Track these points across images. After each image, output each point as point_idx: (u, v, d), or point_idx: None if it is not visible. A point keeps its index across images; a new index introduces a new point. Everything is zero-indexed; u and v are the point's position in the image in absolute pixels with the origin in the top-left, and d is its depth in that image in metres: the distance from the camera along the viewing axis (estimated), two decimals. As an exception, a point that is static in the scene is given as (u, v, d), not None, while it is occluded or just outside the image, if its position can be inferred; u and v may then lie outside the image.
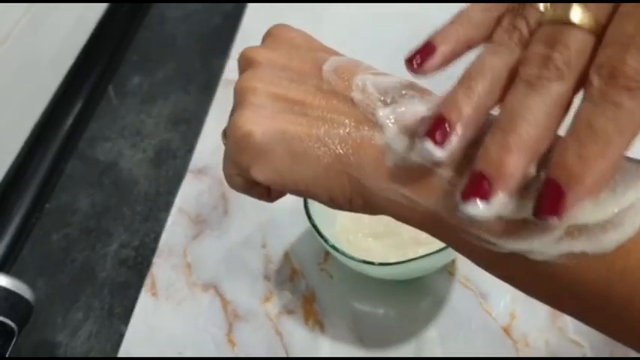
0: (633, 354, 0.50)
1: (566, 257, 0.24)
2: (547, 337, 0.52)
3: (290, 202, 0.60)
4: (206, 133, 0.73)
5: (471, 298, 0.55)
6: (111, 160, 0.73)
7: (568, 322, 0.53)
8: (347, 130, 0.29)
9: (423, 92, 0.31)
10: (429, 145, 0.25)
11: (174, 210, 0.66)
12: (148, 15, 0.90)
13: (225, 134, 0.33)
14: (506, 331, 0.53)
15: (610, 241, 0.23)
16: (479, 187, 0.24)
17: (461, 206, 0.24)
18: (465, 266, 0.57)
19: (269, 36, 0.35)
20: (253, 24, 0.84)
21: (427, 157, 0.26)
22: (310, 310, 0.57)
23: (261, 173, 0.31)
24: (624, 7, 0.23)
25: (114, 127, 0.77)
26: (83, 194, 0.70)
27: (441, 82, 0.30)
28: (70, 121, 0.75)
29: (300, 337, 0.56)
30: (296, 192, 0.32)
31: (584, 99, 0.23)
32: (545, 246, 0.24)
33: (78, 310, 0.60)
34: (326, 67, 0.32)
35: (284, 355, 0.55)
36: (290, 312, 0.57)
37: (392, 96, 0.30)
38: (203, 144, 0.72)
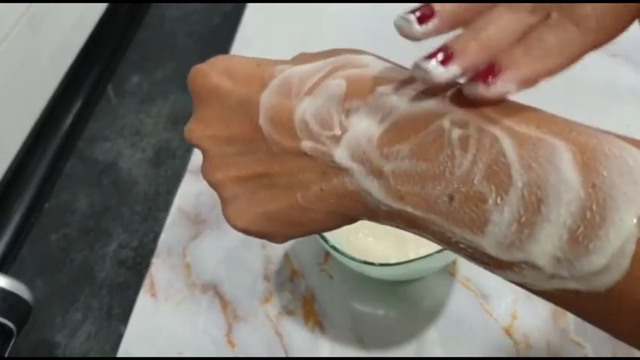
0: (636, 354, 0.50)
1: (562, 292, 0.25)
2: (548, 338, 0.52)
3: (290, 202, 0.60)
4: (206, 133, 0.72)
5: (471, 299, 0.55)
6: (110, 160, 0.73)
7: (570, 322, 0.53)
8: (320, 187, 0.29)
9: (355, 84, 0.30)
10: (411, 16, 0.28)
11: (173, 210, 0.66)
12: (148, 15, 0.90)
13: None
14: (508, 331, 0.53)
15: (601, 283, 0.24)
16: (442, 52, 0.27)
17: (422, 62, 0.27)
18: (466, 267, 0.57)
19: (194, 95, 0.33)
20: (253, 24, 0.84)
21: (404, 28, 0.28)
22: (310, 310, 0.57)
23: (277, 242, 0.33)
24: None
25: (113, 126, 0.76)
26: (82, 194, 0.70)
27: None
28: (69, 120, 0.75)
29: (300, 337, 0.55)
30: (308, 234, 0.33)
31: (542, 23, 0.27)
32: (538, 281, 0.25)
33: (77, 311, 0.60)
34: (262, 122, 0.30)
35: (284, 356, 0.55)
36: (290, 313, 0.57)
37: (338, 120, 0.29)
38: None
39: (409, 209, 0.27)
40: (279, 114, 0.30)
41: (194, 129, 0.33)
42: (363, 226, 0.56)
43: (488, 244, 0.25)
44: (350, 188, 0.29)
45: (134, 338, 0.57)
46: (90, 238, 0.66)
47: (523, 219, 0.24)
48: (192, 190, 0.68)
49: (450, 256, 0.52)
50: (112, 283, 0.62)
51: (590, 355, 0.51)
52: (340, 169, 0.29)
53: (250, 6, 0.87)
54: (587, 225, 0.23)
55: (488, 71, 0.26)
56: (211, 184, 0.33)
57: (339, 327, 0.56)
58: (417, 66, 0.27)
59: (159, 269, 0.62)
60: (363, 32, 0.80)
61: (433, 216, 0.26)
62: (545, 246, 0.24)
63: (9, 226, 0.66)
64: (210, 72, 0.32)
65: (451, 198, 0.26)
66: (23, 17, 0.70)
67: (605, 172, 0.24)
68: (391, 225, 0.29)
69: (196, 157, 0.70)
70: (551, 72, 0.27)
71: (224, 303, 0.58)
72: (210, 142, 0.32)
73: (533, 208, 0.24)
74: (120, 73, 0.83)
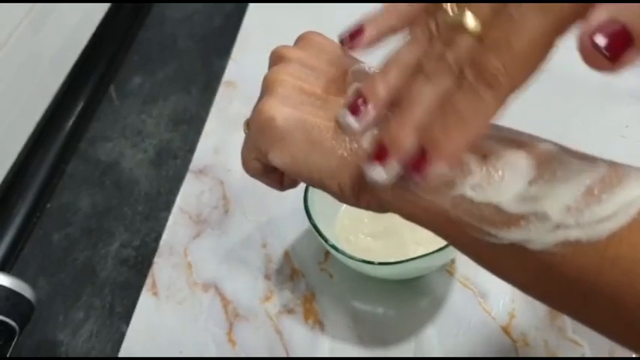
0: (633, 354, 0.50)
1: (562, 246, 0.26)
2: (546, 337, 0.53)
3: (290, 202, 0.60)
4: (207, 134, 0.73)
5: (470, 298, 0.56)
6: (112, 160, 0.73)
7: (567, 321, 0.53)
8: None
9: None
10: (348, 116, 0.31)
11: (174, 210, 0.67)
12: (149, 15, 0.90)
13: (247, 124, 0.36)
14: (506, 330, 0.53)
15: (603, 229, 0.26)
16: (379, 153, 0.29)
17: (366, 169, 0.29)
18: (465, 266, 0.57)
19: (302, 39, 0.38)
20: (254, 24, 0.85)
21: (345, 126, 0.31)
22: (310, 309, 0.57)
23: (278, 157, 0.33)
24: (504, 13, 0.26)
25: (115, 127, 0.77)
26: (84, 194, 0.70)
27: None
28: (71, 121, 0.76)
29: (300, 336, 0.56)
30: (309, 180, 0.34)
31: (457, 87, 0.27)
32: (541, 235, 0.27)
33: (79, 310, 0.61)
34: (350, 71, 0.35)
35: (284, 355, 0.55)
36: (290, 311, 0.57)
37: None
38: (204, 144, 0.72)
39: None
40: (366, 75, 0.34)
41: (289, 49, 0.37)
42: (363, 225, 0.57)
43: (506, 197, 0.28)
44: None
45: (136, 337, 0.58)
46: (92, 238, 0.66)
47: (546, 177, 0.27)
48: (193, 190, 0.68)
49: (448, 254, 0.53)
50: (114, 283, 0.62)
51: (588, 354, 0.51)
52: None
53: (252, 6, 0.87)
54: (604, 184, 0.26)
55: (417, 162, 0.28)
56: (273, 80, 0.34)
57: (339, 325, 0.56)
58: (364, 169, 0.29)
59: (160, 268, 0.62)
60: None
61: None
62: (560, 199, 0.27)
63: (12, 225, 0.66)
64: (322, 36, 0.37)
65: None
66: (25, 18, 0.71)
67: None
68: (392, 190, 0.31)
69: (197, 158, 0.71)
70: (470, 140, 0.27)
71: (225, 302, 0.59)
72: (296, 57, 0.35)
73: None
74: (122, 73, 0.83)
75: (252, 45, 0.81)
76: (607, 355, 0.51)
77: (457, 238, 0.30)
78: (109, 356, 0.57)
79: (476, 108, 0.27)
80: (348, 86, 0.34)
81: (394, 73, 0.31)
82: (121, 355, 0.57)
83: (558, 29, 0.26)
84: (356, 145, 0.32)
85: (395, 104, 0.30)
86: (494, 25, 0.27)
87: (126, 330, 0.58)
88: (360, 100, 0.31)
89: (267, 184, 0.38)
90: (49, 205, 0.70)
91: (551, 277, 0.27)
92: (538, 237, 0.27)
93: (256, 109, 0.34)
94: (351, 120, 0.31)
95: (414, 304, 0.56)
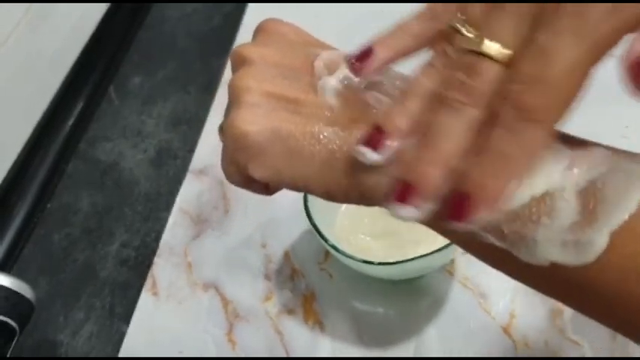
0: (633, 353, 0.50)
1: (550, 263, 0.26)
2: (546, 337, 0.52)
3: (290, 202, 0.60)
4: (207, 134, 0.73)
5: (470, 298, 0.56)
6: (112, 161, 0.73)
7: (567, 322, 0.53)
8: (340, 127, 0.30)
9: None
10: (369, 152, 0.28)
11: (174, 210, 0.67)
12: (149, 15, 0.90)
13: (222, 130, 0.34)
14: (506, 330, 0.53)
15: (586, 258, 0.25)
16: (404, 193, 0.27)
17: (392, 209, 0.27)
18: (465, 266, 0.57)
19: (261, 31, 0.36)
20: (254, 24, 0.84)
21: (365, 161, 0.28)
22: (310, 309, 0.57)
23: (258, 171, 0.31)
24: (535, 44, 0.25)
25: (115, 127, 0.77)
26: (84, 194, 0.70)
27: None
28: (71, 121, 0.76)
29: (300, 336, 0.56)
30: (294, 188, 0.32)
31: (496, 125, 0.25)
32: (525, 255, 0.26)
33: (79, 310, 0.60)
34: (317, 63, 0.32)
35: (284, 355, 0.55)
36: (290, 311, 0.57)
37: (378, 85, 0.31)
38: (204, 144, 0.72)
39: None
40: (333, 63, 0.32)
41: (249, 46, 0.34)
42: (363, 225, 0.57)
43: (543, 237, 0.26)
44: None
45: (136, 337, 0.58)
46: (92, 238, 0.66)
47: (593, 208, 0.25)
48: (193, 190, 0.68)
49: (448, 255, 0.52)
50: (114, 283, 0.62)
51: (588, 354, 0.51)
52: (370, 123, 0.29)
53: (251, 6, 0.87)
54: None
55: (459, 208, 0.26)
56: (238, 88, 0.32)
57: (339, 326, 0.56)
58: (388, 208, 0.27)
59: (160, 268, 0.62)
60: (363, 32, 0.80)
61: None
62: (607, 230, 0.25)
63: (12, 225, 0.66)
64: (285, 23, 0.36)
65: None
66: (24, 18, 0.71)
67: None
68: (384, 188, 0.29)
69: (197, 158, 0.71)
70: (521, 178, 0.26)
71: (225, 302, 0.59)
72: (259, 57, 0.33)
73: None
74: (121, 73, 0.83)
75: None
76: (607, 356, 0.51)
77: (450, 234, 0.30)
78: (109, 356, 0.57)
79: (522, 148, 0.25)
80: (317, 79, 0.32)
81: (415, 103, 0.28)
82: (120, 355, 0.57)
83: (594, 58, 0.25)
84: (335, 148, 0.30)
85: (415, 133, 0.28)
86: (524, 56, 0.25)
87: (126, 330, 0.58)
88: (378, 134, 0.28)
89: (253, 192, 0.36)
90: (49, 206, 0.70)
91: (555, 280, 0.27)
92: (523, 255, 0.26)
93: (228, 122, 0.32)
94: (372, 155, 0.28)
95: (414, 305, 0.56)
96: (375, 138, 0.28)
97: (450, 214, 0.26)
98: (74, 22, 0.81)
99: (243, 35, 0.83)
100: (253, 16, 0.85)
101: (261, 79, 0.32)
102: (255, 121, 0.31)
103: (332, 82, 0.31)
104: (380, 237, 0.56)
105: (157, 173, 0.71)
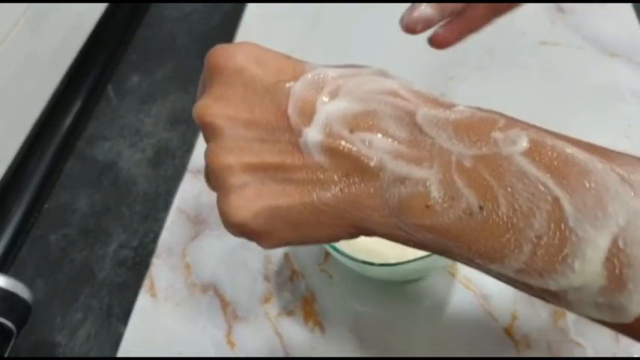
0: (636, 354, 0.50)
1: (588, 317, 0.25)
2: (548, 338, 0.52)
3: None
4: (205, 133, 0.72)
5: (472, 299, 0.55)
6: (110, 160, 0.73)
7: (569, 323, 0.53)
8: (339, 189, 0.28)
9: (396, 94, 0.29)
10: None
11: (173, 210, 0.66)
12: (147, 14, 0.90)
13: (207, 177, 0.32)
14: (508, 332, 0.53)
15: (624, 319, 0.24)
16: None
17: None
18: (466, 267, 0.56)
19: (213, 73, 0.31)
20: (253, 23, 0.84)
21: None
22: (310, 310, 0.57)
23: (266, 246, 0.30)
24: None
25: (113, 126, 0.76)
26: (82, 194, 0.70)
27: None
28: (69, 120, 0.75)
29: (299, 338, 0.55)
30: (306, 244, 0.31)
31: None
32: (561, 307, 0.26)
33: (77, 311, 0.60)
34: (290, 111, 0.29)
35: (284, 356, 0.55)
36: (290, 313, 0.57)
37: (362, 119, 0.28)
38: (202, 144, 0.71)
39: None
40: (310, 107, 0.28)
41: (210, 105, 0.30)
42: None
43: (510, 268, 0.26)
44: (371, 192, 0.28)
45: (134, 338, 0.57)
46: (90, 238, 0.66)
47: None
48: (192, 190, 0.67)
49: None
50: (112, 283, 0.62)
51: (590, 355, 0.51)
52: (364, 172, 0.28)
53: (250, 6, 0.87)
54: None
55: None
56: (217, 168, 0.29)
57: (339, 327, 0.56)
58: None
59: (159, 269, 0.62)
60: (363, 32, 0.80)
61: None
62: None
63: (9, 225, 0.66)
64: (237, 53, 0.31)
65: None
66: (23, 17, 0.70)
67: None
68: (392, 231, 0.29)
69: (196, 157, 0.70)
70: None
71: (224, 303, 0.58)
72: (227, 122, 0.29)
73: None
74: (120, 72, 0.83)
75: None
76: (609, 356, 0.50)
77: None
78: (107, 357, 0.57)
79: None
80: (297, 134, 0.28)
81: None
82: (118, 356, 0.56)
83: None
84: (340, 212, 0.28)
85: None
86: None
87: (124, 331, 0.58)
88: None
89: None
90: (46, 206, 0.69)
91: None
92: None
93: (220, 211, 0.29)
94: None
95: (415, 306, 0.56)
96: None
97: None
98: (73, 20, 0.80)
99: (242, 35, 0.82)
100: (252, 15, 0.85)
101: (238, 150, 0.29)
102: (248, 207, 0.29)
103: (314, 136, 0.28)
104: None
105: (155, 173, 0.71)
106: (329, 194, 0.28)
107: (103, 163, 0.73)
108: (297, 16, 0.84)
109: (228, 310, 0.58)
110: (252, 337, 0.56)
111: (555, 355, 0.51)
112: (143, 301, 0.60)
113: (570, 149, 0.25)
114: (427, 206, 0.26)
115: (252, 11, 0.86)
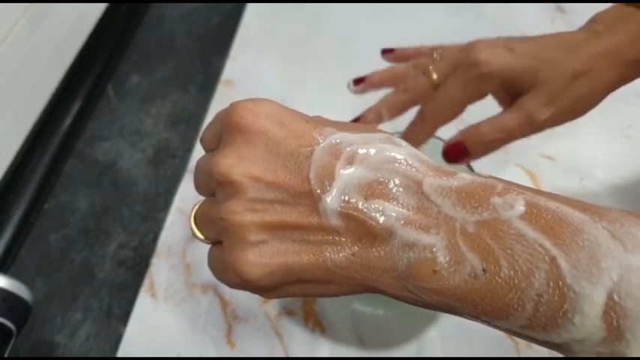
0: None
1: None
2: (548, 339, 0.52)
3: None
4: (205, 133, 0.72)
5: (471, 299, 0.55)
6: (110, 160, 0.73)
7: (569, 323, 0.52)
8: (352, 252, 0.30)
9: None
10: None
11: (173, 210, 0.66)
12: (147, 14, 0.90)
13: (195, 223, 0.36)
14: (507, 332, 0.53)
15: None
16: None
17: None
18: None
19: (235, 131, 0.32)
20: (253, 23, 0.84)
21: None
22: (310, 311, 0.57)
23: (270, 297, 0.33)
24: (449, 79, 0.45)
25: (113, 126, 0.76)
26: (82, 194, 0.70)
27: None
28: (68, 120, 0.75)
29: (300, 338, 0.55)
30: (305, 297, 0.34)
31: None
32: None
33: (76, 311, 0.60)
34: (312, 177, 0.30)
35: (284, 356, 0.54)
36: (290, 313, 0.57)
37: (376, 188, 0.30)
38: (202, 144, 0.71)
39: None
40: (329, 174, 0.30)
41: (234, 164, 0.31)
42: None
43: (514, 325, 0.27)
44: (380, 255, 0.29)
45: (134, 338, 0.57)
46: (89, 239, 0.66)
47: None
48: (192, 190, 0.67)
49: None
50: (112, 284, 0.62)
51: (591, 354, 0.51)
52: (374, 237, 0.29)
53: (250, 6, 0.86)
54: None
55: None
56: (237, 225, 0.30)
57: (339, 327, 0.56)
58: None
59: (158, 269, 0.62)
60: (363, 32, 0.80)
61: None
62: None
63: (8, 225, 0.66)
64: (261, 114, 0.31)
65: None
66: (23, 17, 0.70)
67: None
68: (400, 292, 0.30)
69: (196, 157, 0.70)
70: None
71: (224, 303, 0.58)
72: (252, 183, 0.30)
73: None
74: (119, 72, 0.83)
75: (250, 44, 0.81)
76: (609, 356, 0.50)
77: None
78: (107, 357, 0.57)
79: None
80: (317, 200, 0.30)
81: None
82: (118, 356, 0.56)
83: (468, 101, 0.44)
84: (350, 275, 0.30)
85: None
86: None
87: (123, 331, 0.58)
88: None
89: None
90: (46, 206, 0.69)
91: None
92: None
93: (235, 266, 0.31)
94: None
95: (414, 306, 0.56)
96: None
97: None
98: (73, 20, 0.80)
99: (242, 35, 0.82)
100: (252, 15, 0.85)
101: (260, 209, 0.30)
102: (263, 263, 0.30)
103: (332, 204, 0.29)
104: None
105: (155, 173, 0.71)
106: (342, 256, 0.30)
107: (102, 163, 0.73)
108: (298, 16, 0.84)
109: (228, 310, 0.58)
110: (252, 337, 0.56)
111: (555, 355, 0.51)
112: (143, 301, 0.59)
113: (563, 209, 0.27)
114: (434, 271, 0.28)
115: (252, 11, 0.86)
